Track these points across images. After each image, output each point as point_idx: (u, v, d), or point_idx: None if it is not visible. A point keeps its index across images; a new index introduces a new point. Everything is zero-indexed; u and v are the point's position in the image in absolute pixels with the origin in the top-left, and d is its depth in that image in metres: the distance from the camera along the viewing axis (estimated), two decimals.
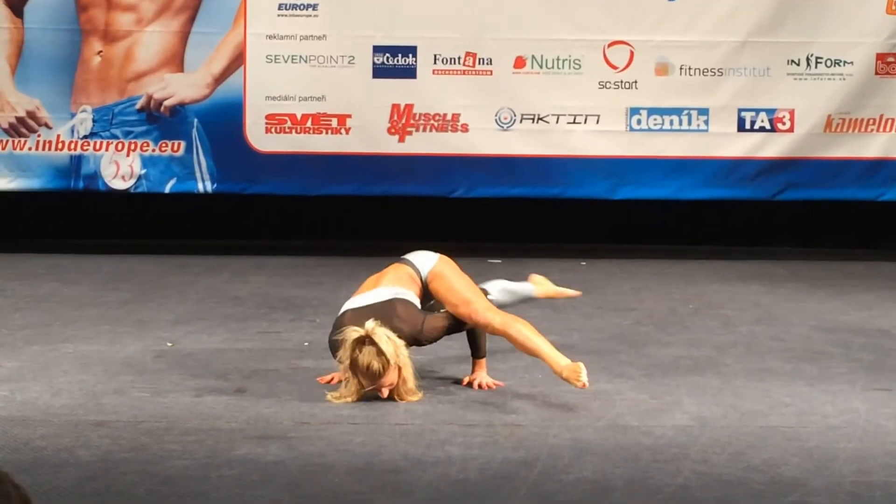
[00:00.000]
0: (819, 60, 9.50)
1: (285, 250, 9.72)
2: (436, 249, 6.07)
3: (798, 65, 9.50)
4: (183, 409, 5.51)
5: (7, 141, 9.47)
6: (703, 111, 9.53)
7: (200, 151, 9.51)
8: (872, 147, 9.55)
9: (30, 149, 9.48)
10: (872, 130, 9.54)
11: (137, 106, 9.49)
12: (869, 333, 7.14)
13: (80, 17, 9.47)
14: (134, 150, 9.53)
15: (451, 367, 6.25)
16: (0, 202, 9.69)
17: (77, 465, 4.82)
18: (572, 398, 5.73)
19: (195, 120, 9.48)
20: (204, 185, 9.50)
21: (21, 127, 9.46)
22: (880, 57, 9.51)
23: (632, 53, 9.49)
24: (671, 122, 9.55)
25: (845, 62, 9.49)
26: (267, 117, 9.48)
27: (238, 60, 9.46)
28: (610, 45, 9.50)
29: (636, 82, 9.50)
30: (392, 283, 5.82)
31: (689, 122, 9.55)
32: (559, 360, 5.53)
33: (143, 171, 9.53)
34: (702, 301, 8.09)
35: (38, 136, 9.47)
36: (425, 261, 5.91)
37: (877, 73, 9.52)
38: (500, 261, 9.33)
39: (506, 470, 4.79)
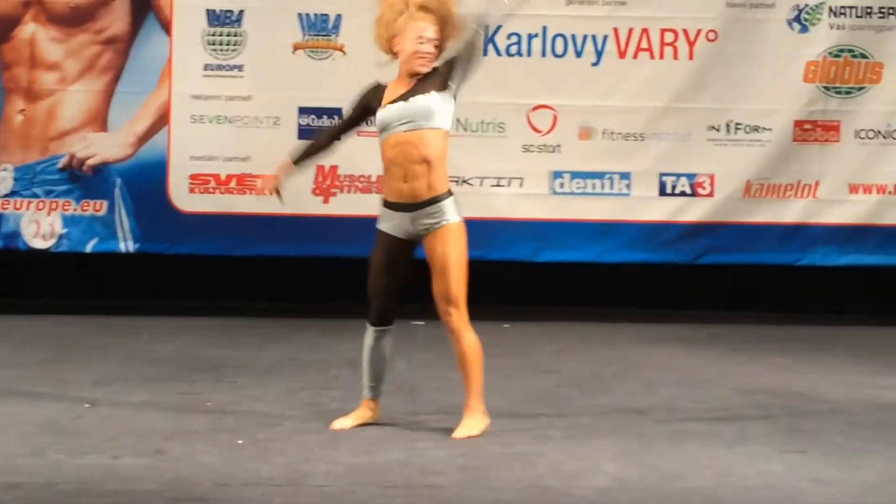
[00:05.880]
0: (738, 126, 9.64)
1: (207, 311, 9.66)
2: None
3: (718, 130, 9.64)
4: (100, 471, 5.45)
5: None
6: (625, 175, 9.64)
7: (123, 211, 9.45)
8: (790, 212, 9.68)
9: None
10: (790, 196, 9.67)
11: (60, 165, 9.43)
12: (786, 395, 7.22)
13: (4, 75, 9.41)
14: (55, 209, 9.45)
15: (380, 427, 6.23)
16: None
17: None
18: (493, 460, 5.73)
19: (118, 179, 9.43)
20: (126, 244, 9.44)
21: None
22: (797, 124, 9.67)
23: (555, 117, 9.59)
24: (594, 186, 9.64)
25: (763, 128, 9.63)
26: (191, 177, 9.45)
27: (162, 120, 9.44)
28: (534, 109, 9.59)
29: (559, 146, 9.59)
30: None
31: (612, 186, 9.64)
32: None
33: (65, 231, 9.45)
34: (623, 363, 8.14)
35: None
36: None
37: (794, 140, 9.67)
38: (423, 323, 9.32)
39: None
